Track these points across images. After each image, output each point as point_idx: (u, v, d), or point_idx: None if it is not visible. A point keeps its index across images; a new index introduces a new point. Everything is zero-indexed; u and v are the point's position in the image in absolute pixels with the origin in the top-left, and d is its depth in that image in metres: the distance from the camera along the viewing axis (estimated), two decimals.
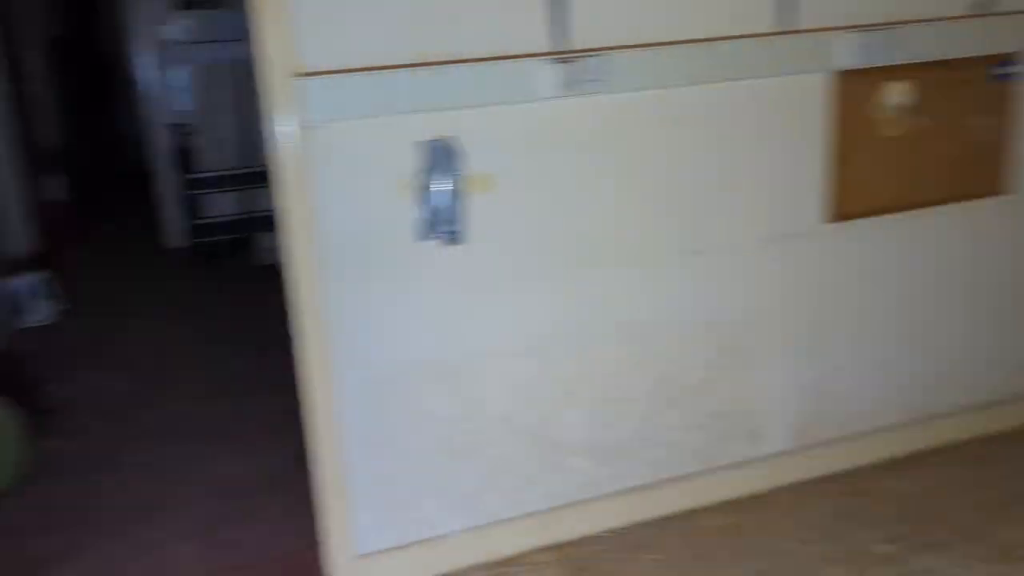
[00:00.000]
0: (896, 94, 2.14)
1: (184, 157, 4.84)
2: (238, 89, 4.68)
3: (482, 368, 2.00)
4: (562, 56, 1.84)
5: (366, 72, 1.73)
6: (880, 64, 2.10)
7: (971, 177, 2.29)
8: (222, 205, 4.89)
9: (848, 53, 2.05)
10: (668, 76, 1.95)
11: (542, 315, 2.01)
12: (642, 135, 1.99)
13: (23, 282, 3.96)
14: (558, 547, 2.12)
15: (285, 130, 1.72)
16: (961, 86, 2.21)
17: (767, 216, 2.15)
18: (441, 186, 1.83)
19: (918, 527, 2.10)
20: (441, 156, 1.82)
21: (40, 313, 3.95)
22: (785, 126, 2.10)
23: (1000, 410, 2.50)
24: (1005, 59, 2.23)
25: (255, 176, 4.65)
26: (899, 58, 2.11)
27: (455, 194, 1.84)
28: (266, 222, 4.27)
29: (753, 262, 2.16)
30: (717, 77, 1.99)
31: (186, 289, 4.53)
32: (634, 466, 2.18)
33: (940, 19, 2.14)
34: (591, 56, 1.86)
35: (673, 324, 2.13)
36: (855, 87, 2.11)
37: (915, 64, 2.14)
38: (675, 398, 2.18)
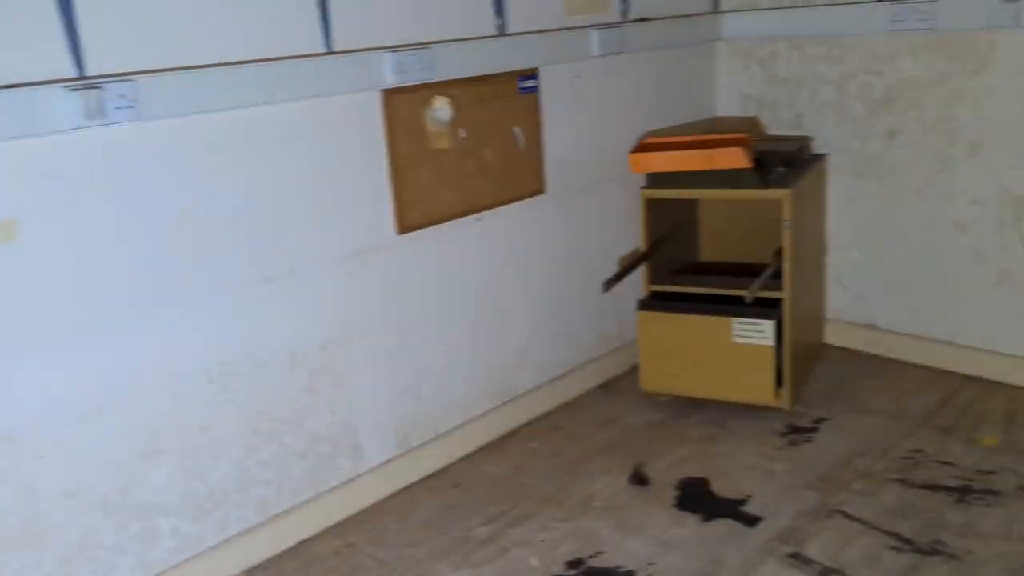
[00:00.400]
0: (441, 109, 2.28)
1: None
2: None
3: (31, 441, 1.72)
4: (81, 83, 1.64)
5: None
6: (422, 81, 2.23)
7: (515, 180, 2.55)
8: None
9: (391, 72, 2.14)
10: (212, 100, 1.85)
11: (103, 369, 1.79)
12: (195, 163, 1.87)
13: None
14: None
15: None
16: (496, 99, 2.44)
17: (341, 234, 2.16)
18: None
19: (509, 504, 2.29)
20: None
21: None
22: (349, 144, 2.13)
23: (566, 381, 2.85)
24: (527, 73, 2.51)
25: None
26: (438, 75, 2.26)
27: None
28: None
29: (332, 282, 2.16)
30: (265, 99, 1.94)
31: None
32: (239, 510, 2.06)
33: (470, 39, 2.34)
34: (118, 81, 1.68)
35: (257, 356, 2.05)
36: (403, 104, 2.21)
37: (454, 80, 2.31)
38: (271, 431, 2.10)
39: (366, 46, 2.12)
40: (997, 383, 2.73)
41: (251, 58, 1.90)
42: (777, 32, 2.97)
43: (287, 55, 1.97)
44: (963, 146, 2.66)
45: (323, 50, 2.04)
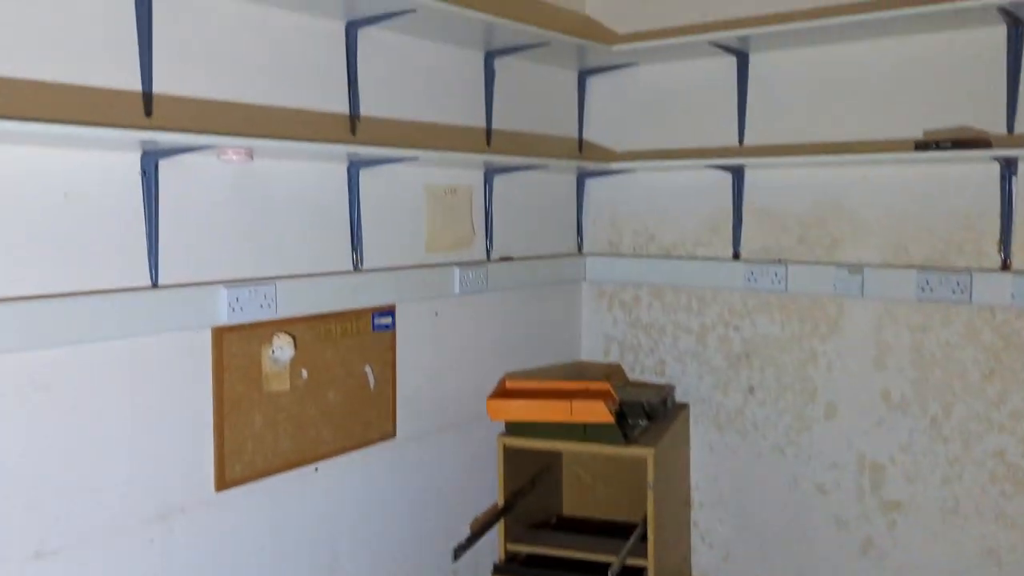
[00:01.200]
0: (281, 348, 2.06)
1: None
2: None
3: None
4: None
5: None
6: (262, 319, 2.02)
7: (363, 424, 2.31)
8: None
9: (226, 308, 1.92)
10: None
11: None
12: None
13: None
14: None
15: None
16: (347, 337, 2.25)
17: (146, 492, 1.82)
18: None
19: None
20: None
21: None
22: (165, 389, 1.85)
23: None
24: (383, 310, 2.36)
25: None
26: (282, 312, 2.06)
27: None
28: None
29: (130, 553, 1.80)
30: (76, 337, 1.66)
31: None
32: None
33: (321, 274, 2.18)
34: None
35: None
36: (237, 343, 1.98)
37: (300, 317, 2.11)
38: None
39: (199, 280, 1.91)
40: None
41: (48, 292, 1.65)
42: (639, 278, 2.99)
43: (95, 289, 1.72)
44: (819, 407, 2.66)
45: (147, 283, 1.81)
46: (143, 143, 1.68)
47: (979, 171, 2.35)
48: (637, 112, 2.99)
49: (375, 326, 2.34)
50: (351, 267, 2.27)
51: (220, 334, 1.94)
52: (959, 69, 2.37)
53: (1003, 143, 2.29)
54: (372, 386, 2.33)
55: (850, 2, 2.51)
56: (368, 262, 2.31)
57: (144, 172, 1.80)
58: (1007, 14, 2.17)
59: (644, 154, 2.97)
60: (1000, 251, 2.33)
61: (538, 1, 2.85)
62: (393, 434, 2.40)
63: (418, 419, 2.49)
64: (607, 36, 3.02)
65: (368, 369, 2.32)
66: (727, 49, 2.65)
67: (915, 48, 2.43)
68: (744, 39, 2.55)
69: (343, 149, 2.04)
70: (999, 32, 2.29)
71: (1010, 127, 2.29)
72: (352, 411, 2.28)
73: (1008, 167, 2.28)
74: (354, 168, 2.24)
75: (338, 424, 2.24)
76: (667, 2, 2.89)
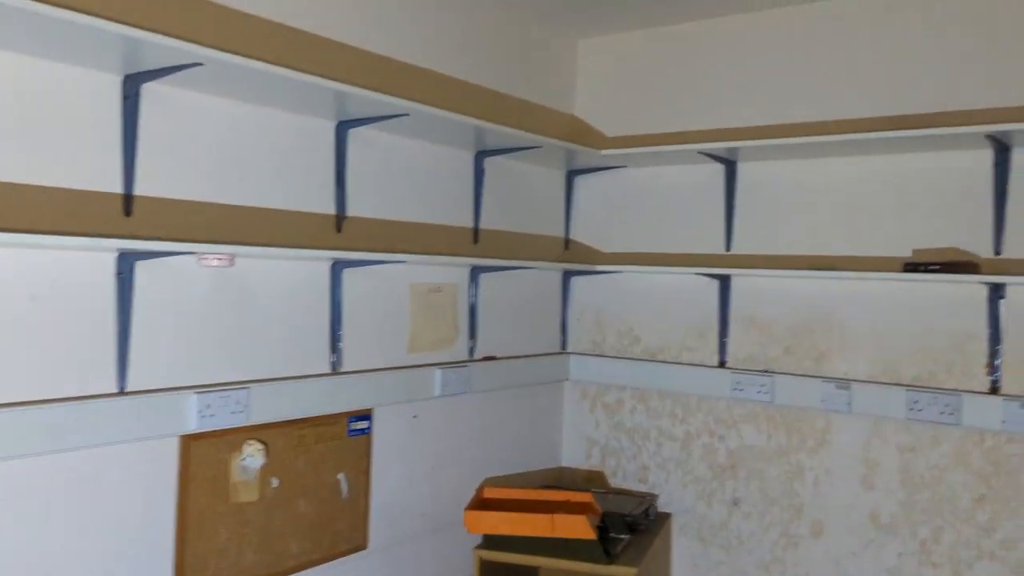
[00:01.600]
0: (250, 457, 1.97)
1: None
2: None
3: None
4: None
5: None
6: (233, 426, 1.93)
7: (333, 535, 2.20)
8: None
9: (195, 415, 1.84)
10: None
11: None
12: None
13: None
14: None
15: None
16: (321, 442, 2.16)
17: None
18: None
19: None
20: None
21: None
22: (127, 502, 1.75)
23: None
24: (360, 414, 2.27)
25: None
26: (254, 418, 1.97)
27: None
28: None
29: None
30: (34, 449, 1.57)
31: None
32: None
33: (297, 377, 2.10)
34: None
35: None
36: (205, 452, 1.88)
37: (272, 423, 2.02)
38: None
39: (169, 385, 1.82)
40: None
41: (7, 400, 1.56)
42: (623, 380, 2.93)
43: (58, 396, 1.64)
44: (806, 524, 2.58)
45: (114, 390, 1.72)
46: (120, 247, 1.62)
47: (967, 292, 2.34)
48: (624, 213, 2.98)
49: (351, 431, 2.25)
50: (329, 369, 2.19)
51: (188, 442, 1.85)
52: (947, 190, 2.38)
53: (990, 267, 2.29)
54: (345, 495, 2.23)
55: (841, 119, 2.54)
56: (347, 364, 2.24)
57: (120, 274, 1.73)
58: (994, 140, 2.19)
59: (630, 257, 2.95)
60: (989, 374, 2.30)
61: (528, 102, 2.87)
62: (364, 545, 2.29)
63: (392, 528, 2.38)
64: (596, 140, 3.03)
65: (342, 477, 2.22)
66: (716, 158, 2.66)
67: (904, 167, 2.45)
68: (733, 150, 2.56)
69: (327, 254, 1.99)
70: (986, 156, 2.31)
71: (997, 249, 2.29)
72: (323, 521, 2.17)
73: (995, 291, 2.28)
74: (338, 267, 2.19)
75: (307, 535, 2.13)
76: (655, 106, 2.91)
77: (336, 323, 2.20)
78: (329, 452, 2.18)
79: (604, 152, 2.74)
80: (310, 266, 2.14)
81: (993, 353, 2.29)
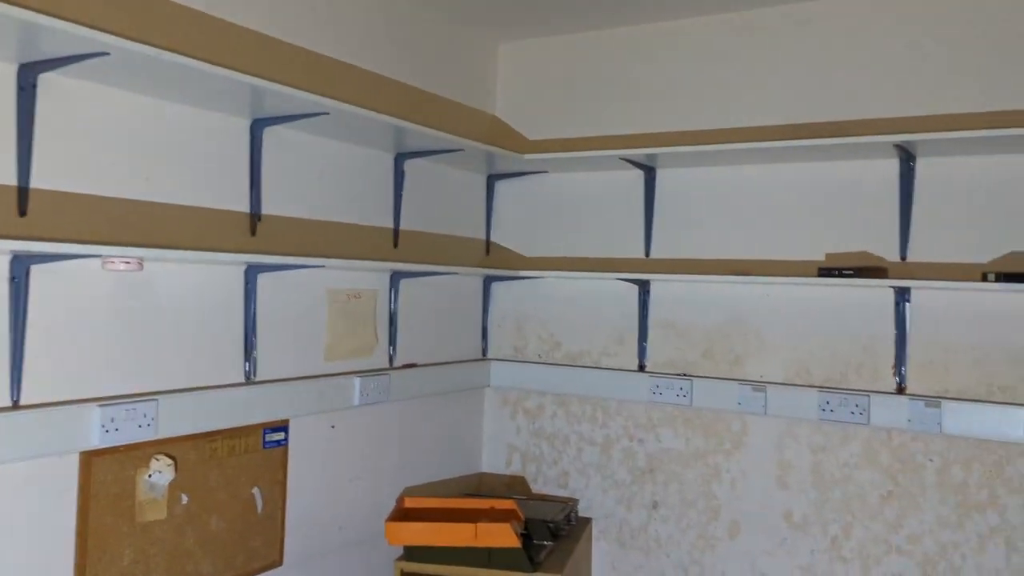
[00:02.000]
0: (158, 473, 1.85)
1: None
2: None
3: None
4: None
5: None
6: (140, 440, 1.81)
7: (247, 552, 2.10)
8: None
9: (98, 430, 1.71)
10: None
11: None
12: None
13: None
14: None
15: None
16: (234, 455, 2.06)
17: None
18: None
19: None
20: None
21: None
22: (23, 526, 1.61)
23: None
24: (276, 425, 2.18)
25: None
26: (162, 432, 1.86)
27: None
28: None
29: None
30: None
31: None
32: None
33: (208, 387, 1.99)
34: None
35: None
36: (108, 469, 1.76)
37: (183, 436, 1.91)
38: None
39: (69, 398, 1.70)
40: None
41: None
42: (543, 386, 2.92)
43: None
44: (723, 525, 2.62)
45: (6, 403, 1.59)
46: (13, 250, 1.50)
47: (875, 296, 2.42)
48: (545, 217, 2.97)
49: (266, 443, 2.16)
50: (243, 379, 2.09)
51: (89, 459, 1.72)
52: (857, 197, 2.47)
53: (897, 271, 2.38)
54: (260, 509, 2.13)
55: (756, 126, 2.60)
56: (262, 372, 2.14)
57: (13, 278, 1.60)
58: (901, 149, 2.28)
59: (551, 262, 2.94)
60: (895, 375, 2.39)
61: (450, 103, 2.82)
62: (280, 561, 2.20)
63: (309, 542, 2.29)
64: (518, 143, 3.01)
65: (256, 491, 2.12)
66: (635, 164, 2.69)
67: (817, 175, 2.52)
68: (652, 156, 2.58)
69: (241, 258, 1.90)
70: (893, 165, 2.40)
71: (903, 254, 2.39)
72: (236, 538, 2.07)
73: (901, 295, 2.37)
74: (252, 271, 2.10)
75: (219, 554, 2.02)
76: (576, 110, 2.92)
77: (250, 330, 2.10)
78: (243, 465, 2.08)
79: (527, 156, 2.72)
80: (223, 270, 2.04)
81: (899, 355, 2.39)
